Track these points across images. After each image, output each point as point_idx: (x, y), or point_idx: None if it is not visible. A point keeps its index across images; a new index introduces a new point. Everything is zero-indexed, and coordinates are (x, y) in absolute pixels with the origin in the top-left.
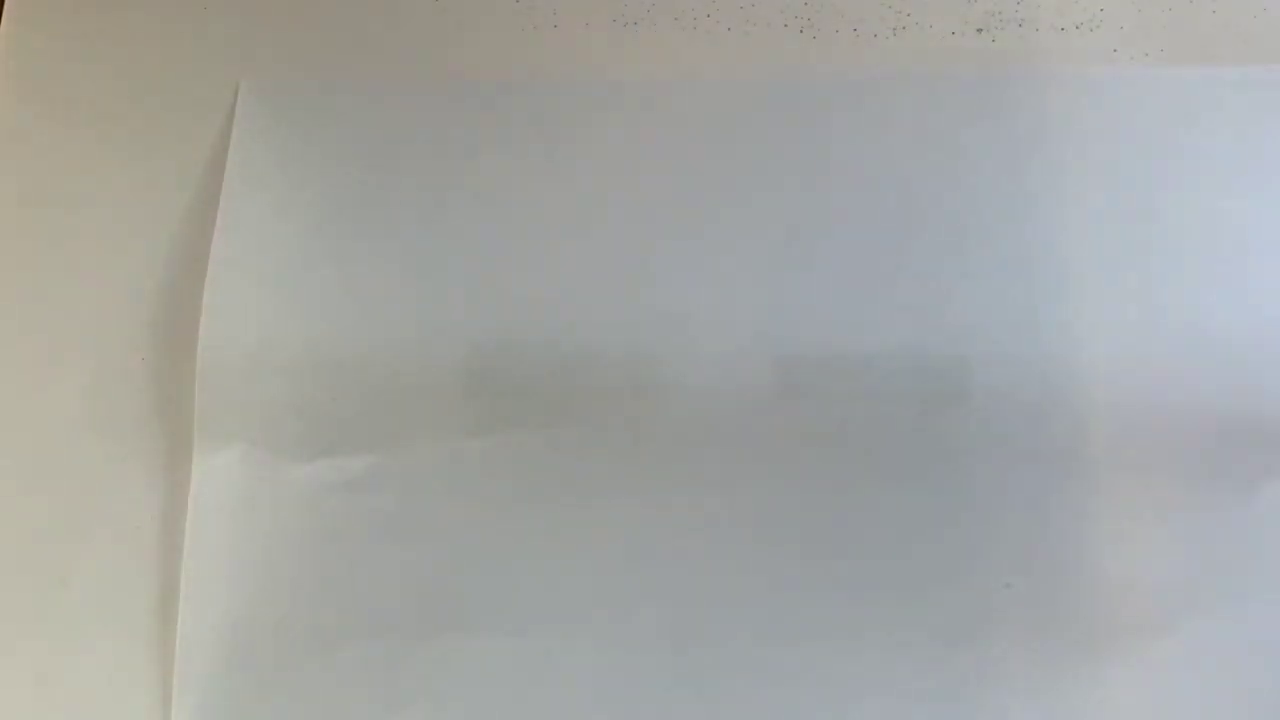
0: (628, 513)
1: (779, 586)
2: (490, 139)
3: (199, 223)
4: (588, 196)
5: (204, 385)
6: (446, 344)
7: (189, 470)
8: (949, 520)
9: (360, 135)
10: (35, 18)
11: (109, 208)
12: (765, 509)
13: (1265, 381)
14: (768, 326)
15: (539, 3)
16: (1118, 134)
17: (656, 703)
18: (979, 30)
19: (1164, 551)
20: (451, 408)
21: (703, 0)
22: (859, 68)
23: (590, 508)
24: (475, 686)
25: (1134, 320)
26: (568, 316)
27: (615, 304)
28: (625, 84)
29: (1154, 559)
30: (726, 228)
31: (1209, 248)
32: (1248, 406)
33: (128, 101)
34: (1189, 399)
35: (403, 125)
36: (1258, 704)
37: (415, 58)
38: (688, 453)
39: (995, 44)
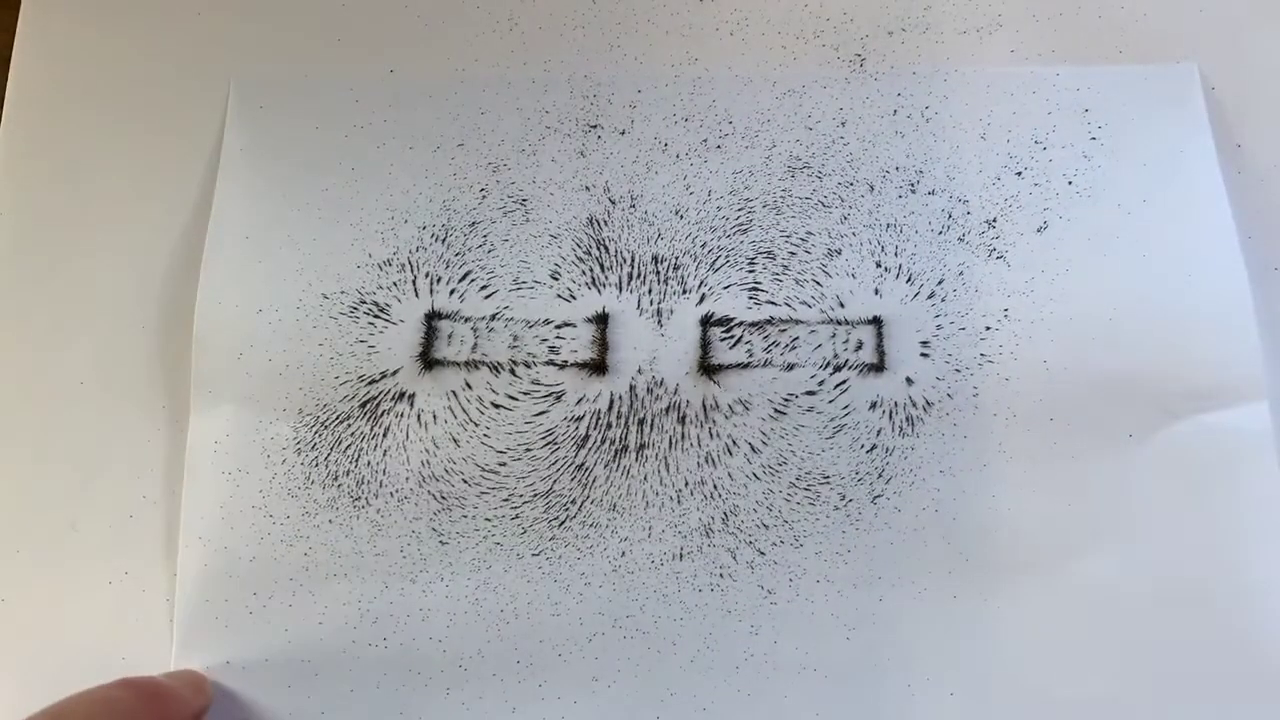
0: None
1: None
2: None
3: (196, 206)
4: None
5: (199, 353)
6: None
7: (186, 428)
8: (857, 468)
9: (348, 127)
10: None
11: (116, 193)
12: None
13: (1149, 346)
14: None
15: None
16: (1017, 125)
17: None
18: (889, 33)
19: (1052, 499)
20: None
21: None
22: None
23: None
24: (454, 623)
25: (1033, 290)
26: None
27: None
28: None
29: (1043, 506)
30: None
31: (1098, 224)
32: (1135, 369)
33: (131, 91)
34: (1083, 361)
35: (388, 117)
36: (1135, 635)
37: (409, 54)
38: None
39: (904, 45)
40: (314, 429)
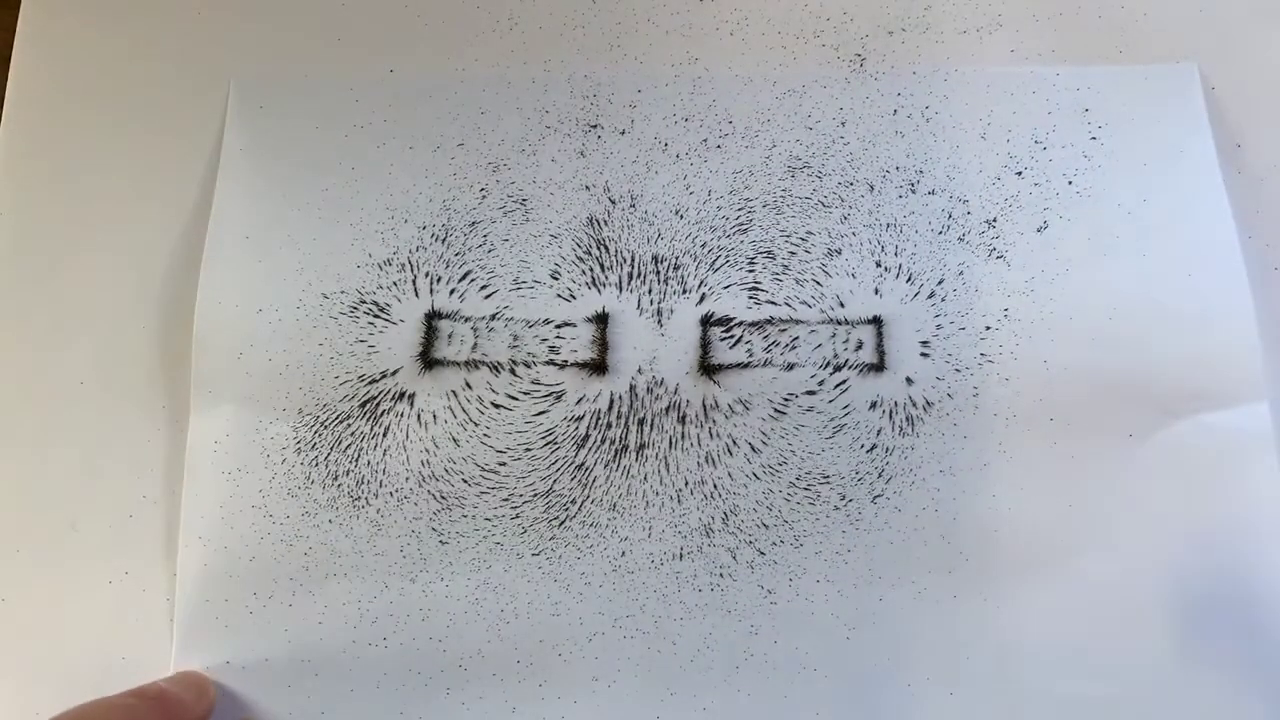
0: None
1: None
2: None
3: (196, 206)
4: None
5: (199, 353)
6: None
7: (186, 428)
8: (857, 468)
9: (348, 127)
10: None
11: (116, 193)
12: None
13: (1149, 346)
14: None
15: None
16: (1017, 125)
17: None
18: (889, 33)
19: (1052, 499)
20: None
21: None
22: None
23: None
24: (454, 623)
25: (1033, 290)
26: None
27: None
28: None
29: (1043, 506)
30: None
31: (1098, 224)
32: (1135, 369)
33: (131, 91)
34: (1083, 361)
35: (388, 117)
36: (1135, 635)
37: (409, 54)
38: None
39: (904, 45)
40: (314, 429)
